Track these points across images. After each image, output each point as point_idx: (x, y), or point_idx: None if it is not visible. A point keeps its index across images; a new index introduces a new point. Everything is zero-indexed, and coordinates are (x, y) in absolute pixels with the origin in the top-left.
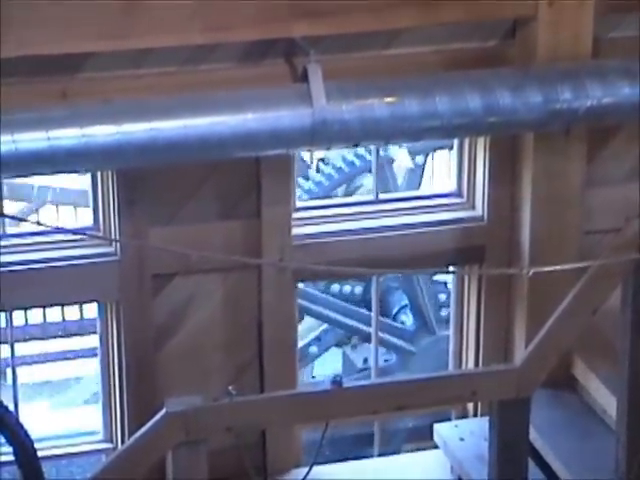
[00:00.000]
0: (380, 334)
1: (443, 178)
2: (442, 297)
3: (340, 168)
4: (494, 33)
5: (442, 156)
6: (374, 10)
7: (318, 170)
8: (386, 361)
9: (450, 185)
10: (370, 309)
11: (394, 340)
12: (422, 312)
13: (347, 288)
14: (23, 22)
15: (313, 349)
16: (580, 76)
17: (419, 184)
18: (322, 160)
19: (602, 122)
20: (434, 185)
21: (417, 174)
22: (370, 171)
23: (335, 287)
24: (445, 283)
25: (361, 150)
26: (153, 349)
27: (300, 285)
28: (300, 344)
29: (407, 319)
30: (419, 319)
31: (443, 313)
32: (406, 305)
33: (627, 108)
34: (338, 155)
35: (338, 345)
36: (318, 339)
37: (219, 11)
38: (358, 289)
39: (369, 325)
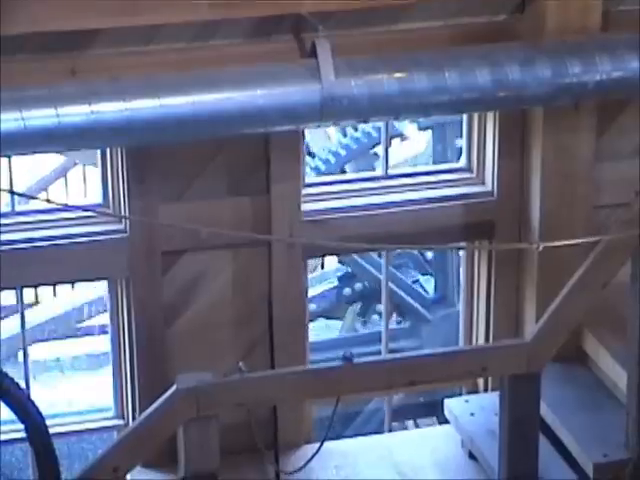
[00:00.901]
0: (399, 292)
1: None
2: None
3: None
4: (503, 7)
5: None
6: None
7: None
8: (398, 323)
9: (459, 160)
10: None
11: (412, 302)
12: (446, 283)
13: (359, 286)
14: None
15: None
16: (589, 50)
17: None
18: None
19: (612, 96)
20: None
21: None
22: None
23: (347, 291)
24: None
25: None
26: (163, 326)
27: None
28: None
29: (429, 288)
30: (441, 289)
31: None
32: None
33: (637, 82)
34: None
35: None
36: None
37: None
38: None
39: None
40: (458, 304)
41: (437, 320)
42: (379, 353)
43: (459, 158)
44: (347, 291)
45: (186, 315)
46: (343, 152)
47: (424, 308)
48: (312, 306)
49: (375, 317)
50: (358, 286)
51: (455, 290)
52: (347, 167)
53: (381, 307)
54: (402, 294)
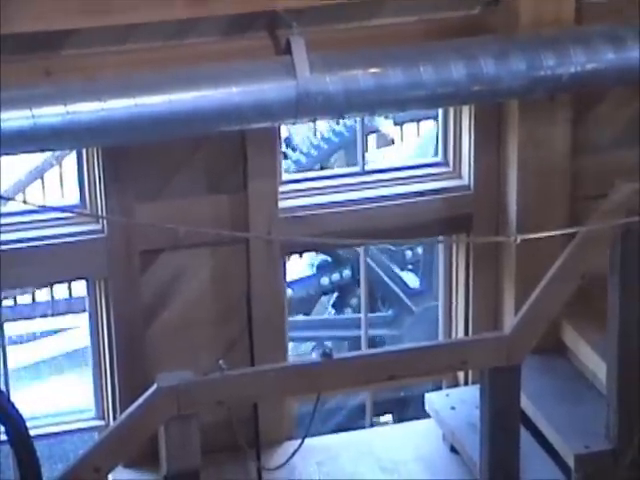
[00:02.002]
0: (387, 280)
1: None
2: None
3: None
4: (477, 1)
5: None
6: None
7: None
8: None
9: (436, 155)
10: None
11: (379, 331)
12: (391, 296)
13: (336, 276)
14: (4, 0)
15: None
16: (563, 42)
17: None
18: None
19: (586, 88)
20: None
21: None
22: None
23: (325, 280)
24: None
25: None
26: (142, 325)
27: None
28: None
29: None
30: (426, 282)
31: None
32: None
33: (611, 73)
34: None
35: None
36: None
37: None
38: (346, 273)
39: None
40: None
41: (420, 312)
42: (359, 338)
43: None
44: (324, 280)
45: (165, 314)
46: (325, 146)
47: (409, 299)
48: (288, 291)
49: (348, 310)
50: (336, 276)
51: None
52: (335, 160)
53: (355, 300)
54: (389, 282)
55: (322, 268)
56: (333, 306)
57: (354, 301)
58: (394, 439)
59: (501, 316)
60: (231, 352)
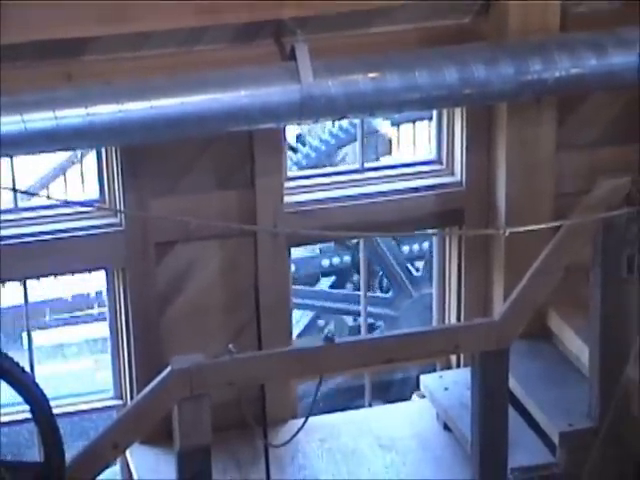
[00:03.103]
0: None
1: (423, 147)
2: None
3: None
4: (469, 10)
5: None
6: None
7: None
8: (373, 328)
9: (430, 153)
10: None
11: (377, 310)
12: (396, 279)
13: (336, 260)
14: (28, 9)
15: (320, 321)
16: (549, 49)
17: None
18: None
19: (570, 91)
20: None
21: None
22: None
23: (325, 262)
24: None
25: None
26: (157, 312)
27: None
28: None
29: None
30: (395, 286)
31: (416, 272)
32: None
33: (593, 78)
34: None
35: None
36: None
37: None
38: (347, 258)
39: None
40: (414, 292)
41: (418, 297)
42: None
43: None
44: (325, 262)
45: (179, 302)
46: (333, 141)
47: (410, 284)
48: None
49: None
50: (336, 260)
51: (407, 280)
52: (346, 155)
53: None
54: (395, 266)
55: (325, 251)
56: (331, 287)
57: (350, 285)
58: (391, 418)
59: (491, 303)
60: (240, 337)
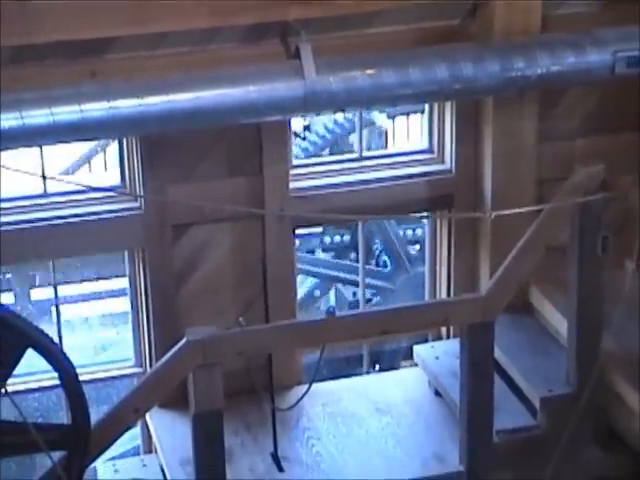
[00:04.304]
0: (395, 240)
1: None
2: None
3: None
4: (457, 13)
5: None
6: None
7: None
8: (369, 300)
9: (422, 143)
10: (357, 252)
11: (375, 282)
12: (396, 255)
13: (337, 238)
14: (57, 13)
15: (317, 292)
16: (531, 48)
17: None
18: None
19: (551, 87)
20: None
21: None
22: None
23: (327, 239)
24: (414, 228)
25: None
26: (174, 288)
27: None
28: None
29: (386, 261)
30: (394, 261)
31: (412, 252)
32: (383, 249)
33: (571, 75)
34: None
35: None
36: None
37: None
38: (346, 237)
39: (352, 273)
40: (411, 269)
41: (413, 274)
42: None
43: None
44: (327, 239)
45: (193, 279)
46: (338, 130)
47: (386, 281)
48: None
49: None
50: (337, 238)
51: (405, 257)
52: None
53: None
54: (396, 243)
55: (327, 228)
56: None
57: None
58: (387, 384)
59: (478, 280)
60: (249, 310)
